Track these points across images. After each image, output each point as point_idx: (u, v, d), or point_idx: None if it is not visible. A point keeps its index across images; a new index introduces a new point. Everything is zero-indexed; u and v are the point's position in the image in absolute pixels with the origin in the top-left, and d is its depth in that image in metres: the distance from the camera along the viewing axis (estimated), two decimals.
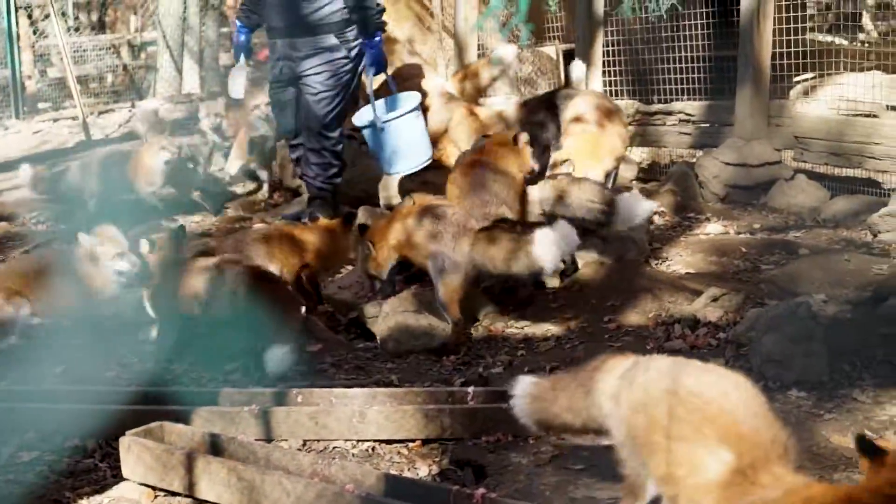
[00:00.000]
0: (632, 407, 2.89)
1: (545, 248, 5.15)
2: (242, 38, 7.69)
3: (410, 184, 7.43)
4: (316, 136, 7.32)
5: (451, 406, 4.23)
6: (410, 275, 5.96)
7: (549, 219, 5.77)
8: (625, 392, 2.94)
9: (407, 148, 7.07)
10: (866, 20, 9.55)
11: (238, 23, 7.71)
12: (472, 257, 5.41)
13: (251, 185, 9.46)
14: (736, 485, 2.59)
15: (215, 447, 3.87)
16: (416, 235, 5.56)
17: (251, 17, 7.57)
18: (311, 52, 7.08)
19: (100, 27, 18.83)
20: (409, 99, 7.29)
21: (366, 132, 7.18)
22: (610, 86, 9.77)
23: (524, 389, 3.33)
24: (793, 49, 8.20)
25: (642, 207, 6.00)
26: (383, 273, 5.80)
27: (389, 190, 7.80)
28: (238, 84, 7.73)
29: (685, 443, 2.70)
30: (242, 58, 7.71)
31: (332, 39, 7.09)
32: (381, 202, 7.78)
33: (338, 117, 7.34)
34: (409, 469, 3.93)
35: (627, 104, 9.60)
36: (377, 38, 7.10)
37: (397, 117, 7.01)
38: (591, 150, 7.04)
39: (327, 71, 7.13)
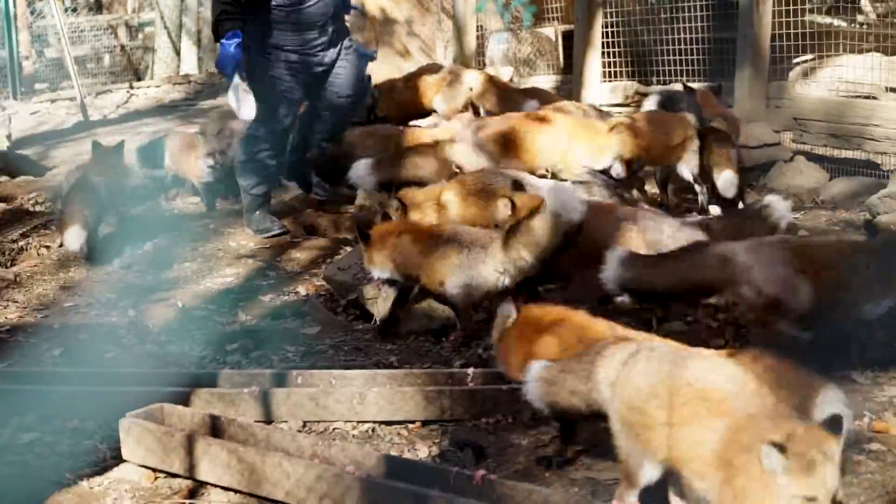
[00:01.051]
0: (626, 400, 2.98)
1: None
2: (233, 48, 6.33)
3: None
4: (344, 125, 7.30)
5: (451, 387, 4.24)
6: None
7: None
8: (620, 384, 3.02)
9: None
10: (865, 2, 9.52)
11: (229, 31, 6.34)
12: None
13: None
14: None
15: (215, 429, 3.88)
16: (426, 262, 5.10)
17: (239, 20, 6.38)
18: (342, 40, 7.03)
19: (97, 7, 18.80)
20: None
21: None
22: (609, 67, 9.76)
23: (537, 373, 3.43)
24: (792, 31, 8.19)
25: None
26: (375, 273, 5.25)
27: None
28: (248, 103, 6.53)
29: (684, 427, 2.79)
30: (237, 76, 6.45)
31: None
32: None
33: None
34: (409, 450, 3.93)
35: (626, 85, 9.60)
36: None
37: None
38: None
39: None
